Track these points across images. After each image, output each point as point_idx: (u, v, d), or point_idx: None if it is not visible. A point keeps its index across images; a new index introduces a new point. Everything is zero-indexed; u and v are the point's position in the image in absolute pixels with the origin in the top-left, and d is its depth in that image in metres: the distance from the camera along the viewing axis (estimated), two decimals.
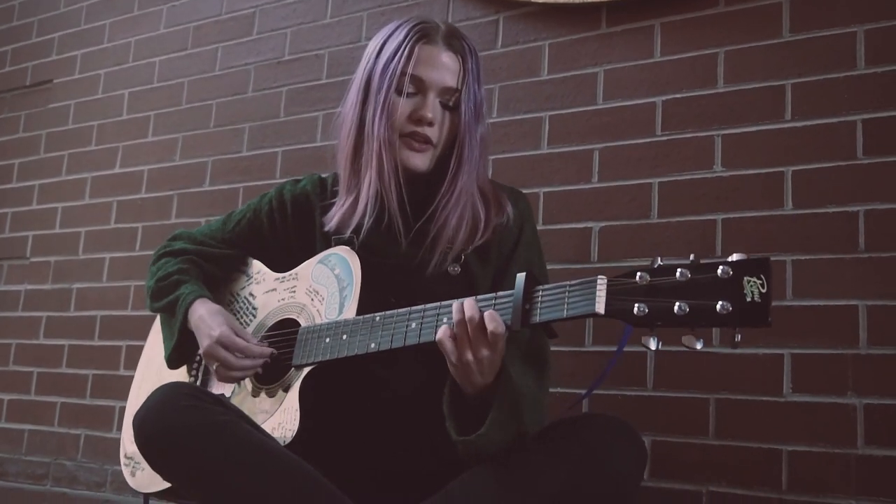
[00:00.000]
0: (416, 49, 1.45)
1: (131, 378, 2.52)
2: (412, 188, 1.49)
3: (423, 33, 1.46)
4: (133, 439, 1.60)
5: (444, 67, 1.46)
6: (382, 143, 1.45)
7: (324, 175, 1.66)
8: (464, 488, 1.28)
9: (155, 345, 1.78)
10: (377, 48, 1.50)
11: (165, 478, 1.33)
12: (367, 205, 1.46)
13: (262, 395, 1.48)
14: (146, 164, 2.69)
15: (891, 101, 1.64)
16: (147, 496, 1.63)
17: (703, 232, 1.76)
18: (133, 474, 1.59)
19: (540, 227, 1.93)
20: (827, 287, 1.63)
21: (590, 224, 1.90)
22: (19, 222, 2.96)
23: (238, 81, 2.55)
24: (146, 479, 1.54)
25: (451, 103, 1.48)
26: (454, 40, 1.49)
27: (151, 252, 2.58)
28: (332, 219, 1.50)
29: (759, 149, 1.74)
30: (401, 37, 1.46)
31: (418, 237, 1.47)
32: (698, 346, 1.05)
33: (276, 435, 1.36)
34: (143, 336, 2.52)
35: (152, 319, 2.52)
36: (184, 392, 1.32)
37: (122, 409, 2.51)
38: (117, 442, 2.49)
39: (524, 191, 1.97)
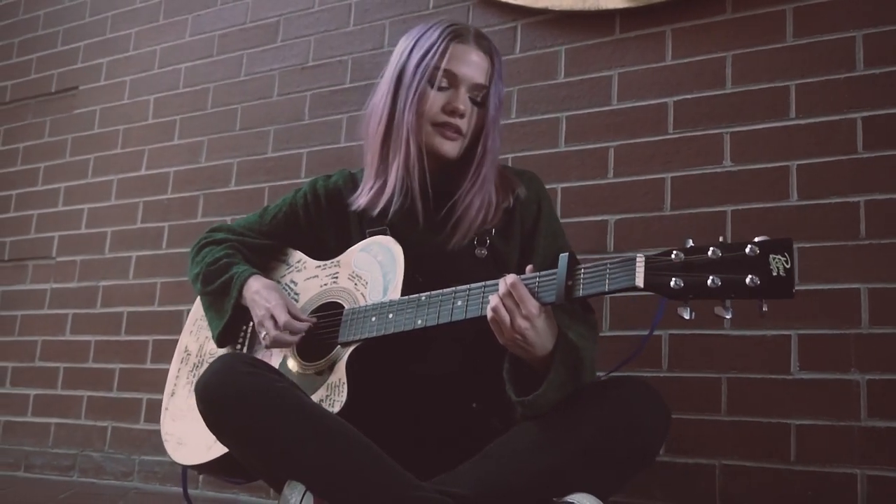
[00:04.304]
0: (451, 47, 1.56)
1: (159, 371, 2.62)
2: (435, 175, 1.60)
3: (455, 33, 1.58)
4: (175, 417, 1.70)
5: (475, 65, 1.58)
6: (411, 130, 1.56)
7: (353, 171, 1.77)
8: (501, 448, 1.38)
9: (192, 333, 1.84)
10: (409, 46, 1.61)
11: (223, 440, 1.42)
12: (394, 188, 1.58)
13: (308, 371, 1.58)
14: (172, 165, 2.79)
15: (888, 99, 1.76)
16: (186, 469, 1.72)
17: (714, 223, 1.88)
18: (176, 449, 1.67)
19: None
20: (830, 272, 1.75)
21: (606, 217, 2.01)
22: (45, 223, 3.05)
23: (263, 86, 2.66)
24: (188, 452, 1.63)
25: (478, 99, 1.60)
26: (482, 41, 1.61)
27: (178, 250, 2.69)
28: (360, 199, 1.62)
29: (765, 145, 1.86)
30: (434, 35, 1.58)
31: (441, 220, 1.58)
32: (728, 316, 1.15)
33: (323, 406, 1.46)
34: (171, 330, 2.63)
35: (180, 314, 2.62)
36: (243, 360, 1.42)
37: (150, 401, 2.60)
38: (145, 433, 2.59)
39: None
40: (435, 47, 1.57)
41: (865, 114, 1.78)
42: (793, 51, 1.88)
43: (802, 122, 1.84)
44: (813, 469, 1.69)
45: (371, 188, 1.61)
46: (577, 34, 2.15)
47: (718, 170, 1.91)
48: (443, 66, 1.55)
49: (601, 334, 1.92)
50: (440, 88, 1.57)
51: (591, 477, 1.33)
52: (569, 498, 1.29)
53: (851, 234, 1.74)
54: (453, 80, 1.57)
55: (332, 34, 2.57)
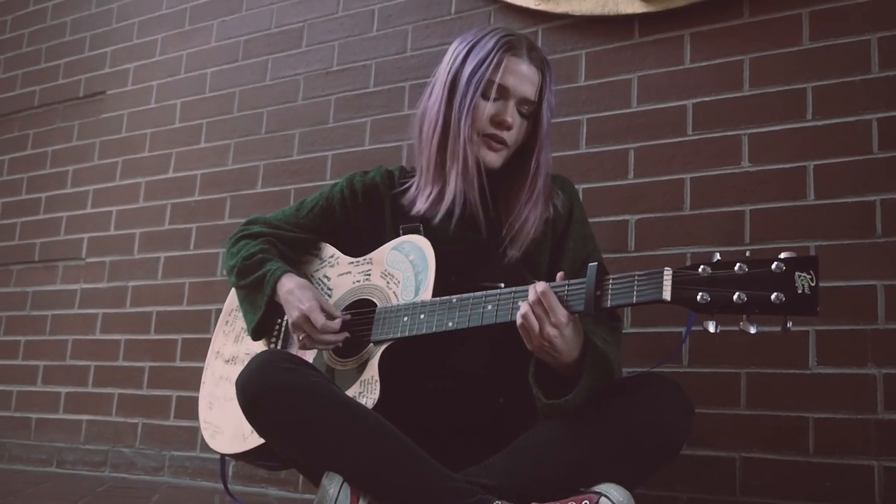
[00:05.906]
0: (504, 59, 1.60)
1: (188, 369, 2.69)
2: (490, 182, 1.65)
3: (509, 45, 1.62)
4: (211, 406, 1.76)
5: (526, 79, 1.62)
6: (467, 141, 1.60)
7: (391, 167, 1.82)
8: (529, 441, 1.44)
9: (227, 323, 1.89)
10: (464, 52, 1.64)
11: (263, 434, 1.48)
12: (454, 197, 1.62)
13: (341, 367, 1.63)
14: (199, 168, 2.85)
15: None
16: (224, 457, 1.79)
17: (733, 222, 1.92)
18: (213, 437, 1.73)
19: None
20: (847, 269, 1.79)
21: (626, 217, 2.06)
22: (74, 225, 3.13)
23: (288, 90, 2.72)
24: (225, 441, 1.69)
25: (526, 112, 1.64)
26: (534, 53, 1.65)
27: (205, 251, 2.76)
28: (416, 203, 1.66)
29: (782, 146, 1.91)
30: (489, 45, 1.61)
31: (494, 226, 1.64)
32: (752, 331, 1.18)
33: None
34: (199, 329, 2.70)
35: (208, 314, 2.68)
36: (281, 357, 1.48)
37: (180, 398, 2.67)
38: (175, 429, 2.66)
39: None
40: (489, 59, 1.60)
41: (880, 115, 1.82)
42: (809, 53, 1.92)
43: (819, 123, 1.88)
44: (831, 461, 1.73)
45: (429, 195, 1.65)
46: (597, 38, 2.20)
47: (737, 170, 1.95)
48: (497, 80, 1.59)
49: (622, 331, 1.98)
50: (492, 100, 1.61)
51: (617, 471, 1.37)
52: (597, 487, 1.34)
53: (867, 232, 1.79)
54: (504, 94, 1.61)
55: (356, 39, 2.63)
